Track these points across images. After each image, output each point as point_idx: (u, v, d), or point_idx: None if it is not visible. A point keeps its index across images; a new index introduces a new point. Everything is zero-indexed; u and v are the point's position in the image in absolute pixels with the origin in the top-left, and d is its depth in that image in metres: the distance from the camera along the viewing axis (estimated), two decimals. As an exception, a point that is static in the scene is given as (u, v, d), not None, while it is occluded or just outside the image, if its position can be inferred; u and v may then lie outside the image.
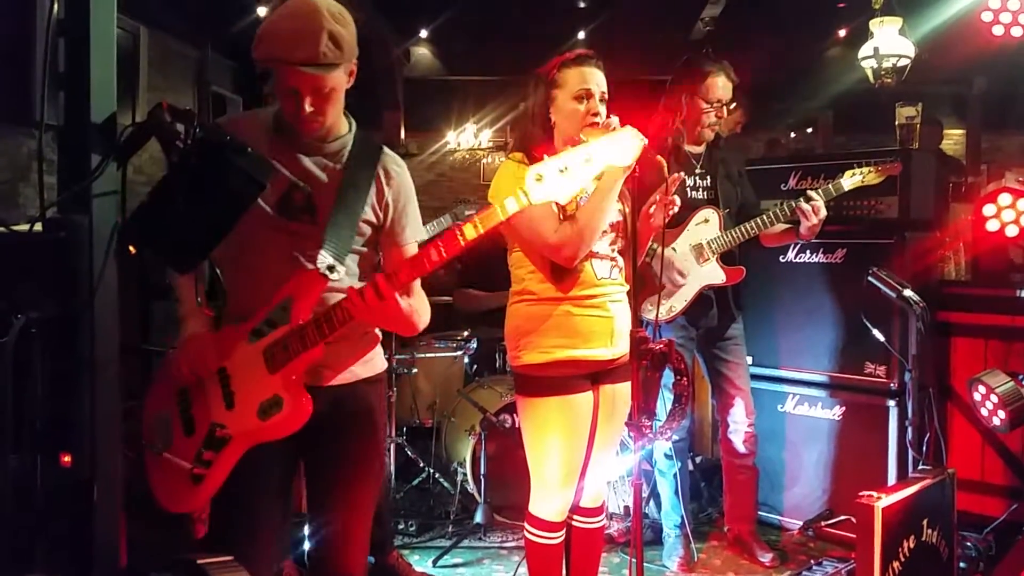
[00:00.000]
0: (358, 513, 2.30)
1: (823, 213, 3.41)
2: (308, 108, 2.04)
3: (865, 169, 3.47)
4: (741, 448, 3.84)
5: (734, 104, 3.74)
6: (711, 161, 3.75)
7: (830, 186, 3.47)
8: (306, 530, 2.54)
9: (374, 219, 2.24)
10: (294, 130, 2.12)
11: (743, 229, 3.56)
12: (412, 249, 2.32)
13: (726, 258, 3.67)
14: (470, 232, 2.04)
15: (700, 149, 3.75)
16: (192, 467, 2.09)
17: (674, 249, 3.62)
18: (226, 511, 2.17)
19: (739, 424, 3.83)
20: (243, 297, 2.19)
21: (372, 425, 2.32)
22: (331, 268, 2.12)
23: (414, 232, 2.34)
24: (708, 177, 3.73)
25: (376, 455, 2.37)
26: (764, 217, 3.54)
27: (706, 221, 3.64)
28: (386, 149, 2.31)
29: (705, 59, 3.71)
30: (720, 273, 3.63)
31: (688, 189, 3.71)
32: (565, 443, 2.69)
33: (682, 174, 2.66)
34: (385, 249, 2.31)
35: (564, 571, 2.87)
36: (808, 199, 3.41)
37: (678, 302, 3.64)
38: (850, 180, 3.48)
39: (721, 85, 3.62)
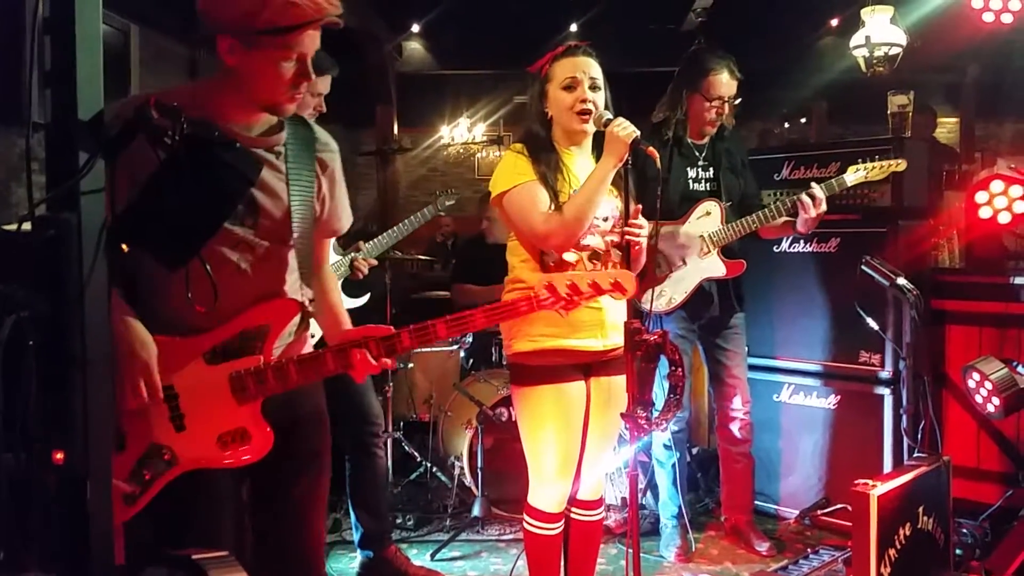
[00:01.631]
0: (315, 515, 2.20)
1: (823, 208, 3.40)
2: (313, 74, 1.92)
3: (869, 165, 3.47)
4: (737, 434, 3.85)
5: (739, 100, 3.73)
6: (714, 153, 3.74)
7: (833, 181, 3.46)
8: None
9: (317, 215, 2.13)
10: (226, 121, 1.92)
11: (744, 223, 3.56)
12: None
13: (727, 251, 3.66)
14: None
15: (703, 141, 3.75)
16: (130, 488, 1.92)
17: (688, 236, 3.63)
18: (177, 514, 2.00)
19: (735, 412, 3.84)
20: (171, 304, 1.94)
21: (321, 426, 2.20)
22: (311, 300, 2.07)
23: (347, 219, 2.24)
24: (711, 169, 3.73)
25: (326, 455, 2.23)
26: (766, 211, 3.53)
27: (708, 214, 3.64)
28: (315, 129, 2.14)
29: (709, 55, 3.70)
30: (720, 266, 3.63)
31: (690, 182, 3.72)
32: (559, 432, 2.70)
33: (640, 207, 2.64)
34: (316, 240, 2.16)
35: (562, 563, 2.88)
36: (810, 193, 3.40)
37: (678, 294, 3.65)
38: (853, 176, 3.47)
39: (724, 82, 3.62)
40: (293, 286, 2.12)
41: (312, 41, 1.89)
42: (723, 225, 3.61)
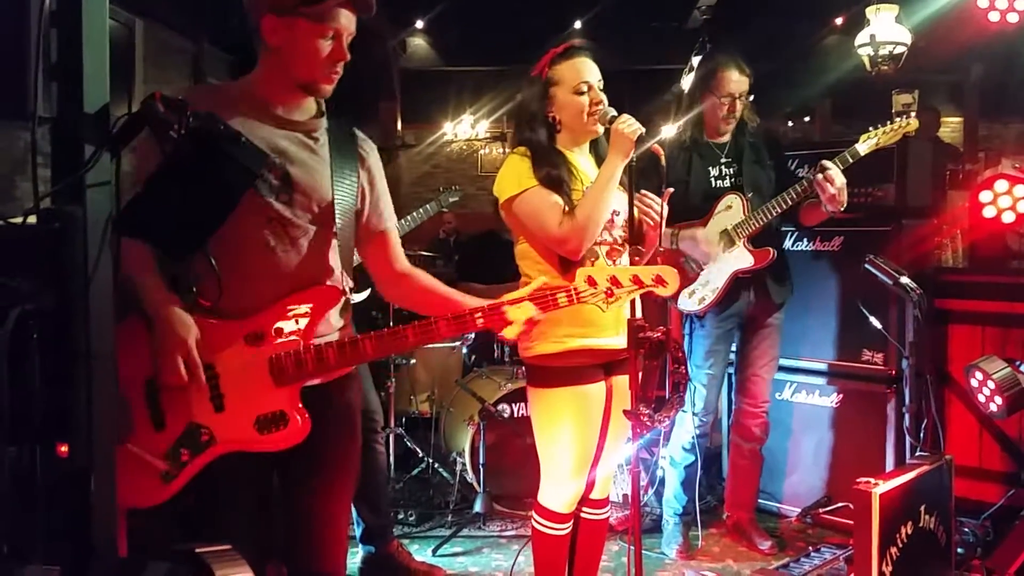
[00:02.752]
0: (341, 508, 2.22)
1: (840, 180, 3.32)
2: (348, 53, 2.01)
3: (880, 130, 3.37)
4: (754, 431, 3.86)
5: (751, 96, 3.72)
6: (736, 148, 3.73)
7: (846, 153, 3.38)
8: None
9: (358, 208, 2.17)
10: (265, 102, 2.03)
11: (764, 210, 3.52)
12: (394, 234, 2.25)
13: (755, 242, 3.62)
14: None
15: (724, 139, 3.74)
16: (167, 467, 1.94)
17: (707, 238, 3.63)
18: (203, 504, 2.02)
19: (755, 409, 3.84)
20: (213, 285, 1.98)
21: (352, 422, 2.22)
22: (352, 289, 2.08)
23: (392, 215, 2.27)
24: (734, 164, 3.71)
25: (355, 451, 2.26)
26: (783, 196, 3.49)
27: (729, 208, 3.63)
28: (355, 129, 2.23)
29: (718, 53, 3.71)
30: (748, 257, 3.60)
31: (713, 180, 3.71)
32: (578, 434, 2.68)
33: (670, 190, 2.62)
34: (365, 239, 2.22)
35: (567, 561, 2.87)
36: (822, 168, 3.34)
37: (709, 292, 3.64)
38: (865, 144, 3.37)
39: (734, 79, 3.61)
40: (338, 276, 2.14)
41: (348, 20, 2.00)
42: (745, 216, 3.59)
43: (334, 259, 2.13)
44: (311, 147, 2.07)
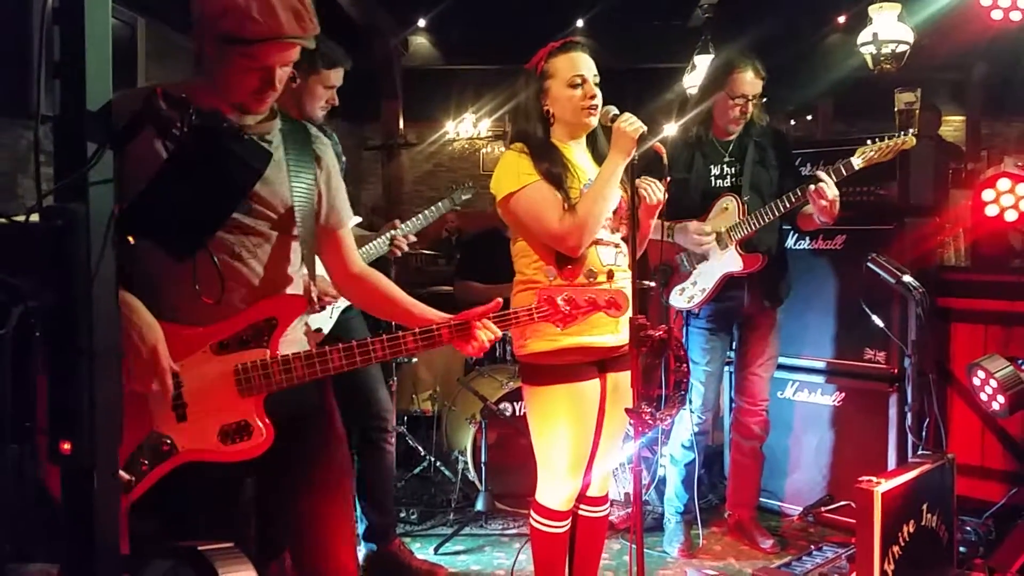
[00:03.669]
0: (336, 507, 2.18)
1: (832, 193, 3.31)
2: (280, 84, 1.93)
3: (876, 145, 3.36)
4: (754, 429, 3.86)
5: (765, 99, 3.71)
6: (740, 148, 3.72)
7: (840, 165, 3.38)
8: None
9: (316, 208, 2.12)
10: (218, 109, 1.90)
11: (758, 215, 3.52)
12: (349, 234, 2.22)
13: (748, 246, 3.61)
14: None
15: (730, 138, 3.73)
16: (126, 476, 1.86)
17: (701, 230, 3.62)
18: (175, 507, 1.99)
19: (754, 407, 3.84)
20: (174, 293, 1.94)
21: (329, 422, 2.19)
22: (318, 298, 2.07)
23: (348, 214, 2.23)
24: (737, 164, 3.70)
25: (337, 449, 2.21)
26: (777, 202, 3.48)
27: (725, 209, 3.63)
28: (305, 124, 2.18)
29: (735, 53, 3.70)
30: (739, 261, 3.59)
31: (713, 179, 3.71)
32: (573, 431, 2.69)
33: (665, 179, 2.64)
34: (321, 239, 2.16)
35: (567, 559, 2.88)
36: (816, 180, 3.35)
37: (699, 291, 3.64)
38: (860, 158, 3.36)
39: (749, 80, 3.59)
40: (300, 280, 2.11)
41: (280, 56, 1.90)
42: (740, 219, 3.58)
43: (296, 264, 2.10)
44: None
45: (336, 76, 3.07)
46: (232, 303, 1.97)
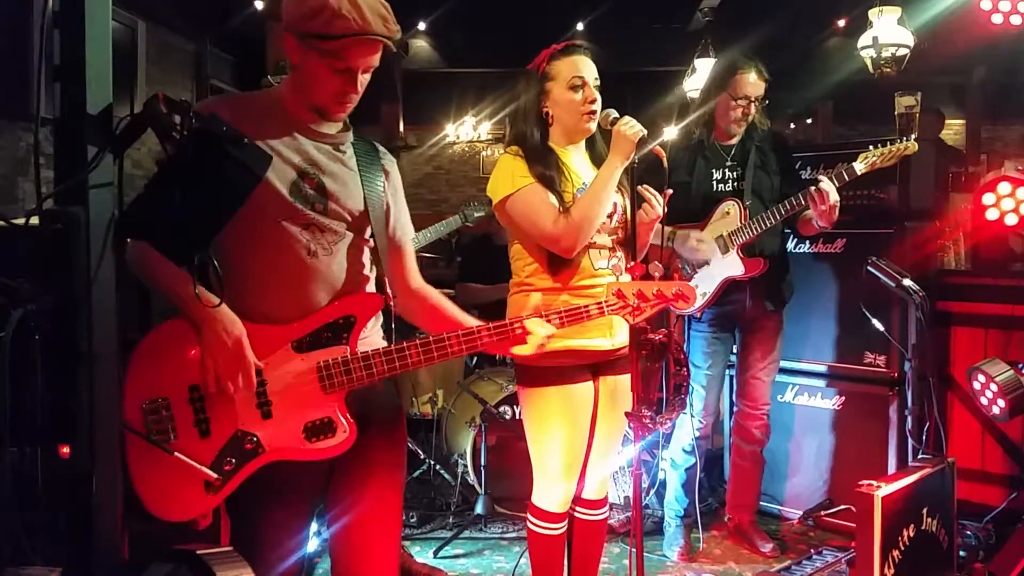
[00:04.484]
0: (393, 514, 2.19)
1: (833, 198, 3.31)
2: (360, 88, 2.00)
3: (879, 151, 3.36)
4: (755, 433, 3.85)
5: (767, 101, 3.70)
6: (743, 152, 3.72)
7: (843, 171, 3.38)
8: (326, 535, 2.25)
9: (386, 220, 2.20)
10: (295, 115, 2.02)
11: (760, 220, 3.52)
12: (411, 249, 2.27)
13: (749, 251, 3.61)
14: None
15: (732, 141, 3.73)
16: (213, 476, 1.89)
17: (700, 240, 3.62)
18: (249, 517, 1.99)
19: (755, 411, 3.84)
20: (253, 292, 1.98)
21: (399, 423, 2.22)
22: (394, 298, 2.09)
23: (410, 230, 2.30)
24: (739, 168, 3.70)
25: (402, 452, 2.24)
26: (778, 207, 3.48)
27: (727, 214, 3.63)
28: (375, 143, 2.25)
29: (738, 55, 3.70)
30: (740, 265, 3.59)
31: (715, 183, 3.71)
32: (566, 433, 2.69)
33: (669, 192, 2.64)
34: (388, 250, 2.20)
35: (566, 562, 2.88)
36: (818, 184, 3.33)
37: (699, 296, 3.63)
38: (863, 163, 3.37)
39: (751, 81, 3.59)
40: (373, 283, 2.15)
41: (363, 58, 1.95)
42: (742, 224, 3.58)
43: (370, 266, 2.15)
44: (341, 159, 2.08)
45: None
46: (309, 301, 2.01)
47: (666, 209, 2.63)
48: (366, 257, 2.14)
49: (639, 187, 2.60)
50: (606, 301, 2.20)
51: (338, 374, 1.98)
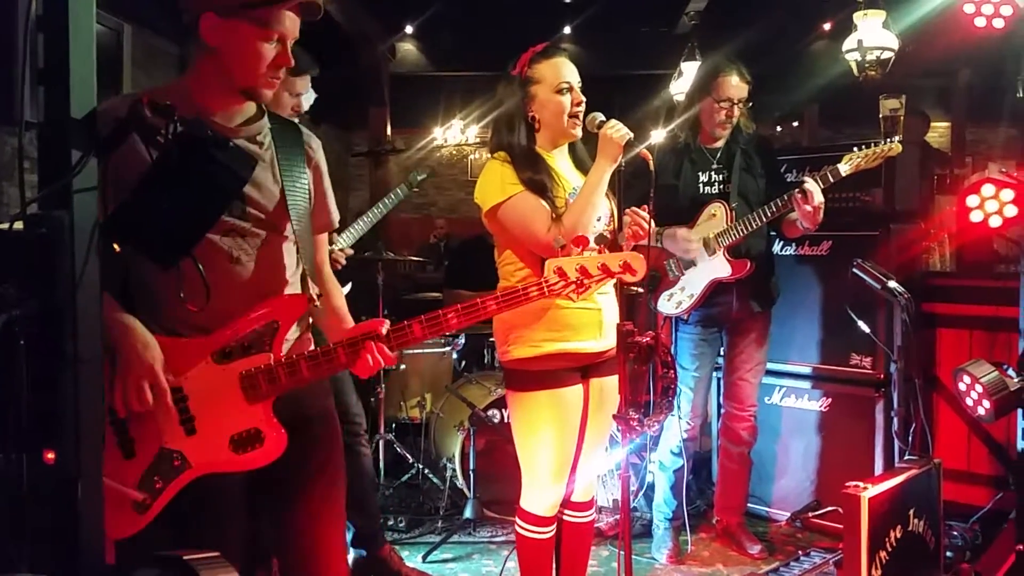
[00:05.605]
0: (334, 515, 2.16)
1: (818, 199, 3.32)
2: (291, 58, 1.90)
3: (863, 152, 3.37)
4: (742, 435, 3.86)
5: (751, 104, 3.72)
6: (728, 155, 3.73)
7: (827, 172, 3.39)
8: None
9: (309, 208, 2.10)
10: (205, 111, 1.90)
11: (746, 221, 3.53)
12: (324, 241, 2.21)
13: (735, 252, 3.61)
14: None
15: (719, 144, 3.74)
16: (141, 495, 1.87)
17: (688, 239, 3.62)
18: (189, 519, 1.95)
19: (742, 413, 3.84)
20: (171, 305, 1.88)
21: (331, 427, 2.17)
22: (319, 295, 2.04)
23: (335, 213, 2.22)
24: (724, 171, 3.71)
25: (338, 455, 2.18)
26: (763, 209, 3.49)
27: (713, 216, 3.64)
28: (295, 123, 2.15)
29: (720, 58, 3.72)
30: (726, 267, 3.60)
31: (701, 186, 3.72)
32: (556, 437, 2.69)
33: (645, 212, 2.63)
34: (308, 245, 2.12)
35: (554, 565, 2.88)
36: (802, 186, 3.34)
37: (686, 297, 3.65)
38: (847, 165, 3.37)
39: (734, 84, 3.61)
40: (296, 281, 2.09)
41: (293, 24, 1.89)
42: (728, 226, 3.59)
43: (293, 266, 2.08)
44: (257, 152, 1.99)
45: (302, 83, 3.02)
46: (232, 309, 1.94)
47: (652, 215, 2.63)
48: (290, 254, 2.06)
49: (627, 210, 2.59)
50: (546, 280, 2.05)
51: (263, 383, 1.93)
